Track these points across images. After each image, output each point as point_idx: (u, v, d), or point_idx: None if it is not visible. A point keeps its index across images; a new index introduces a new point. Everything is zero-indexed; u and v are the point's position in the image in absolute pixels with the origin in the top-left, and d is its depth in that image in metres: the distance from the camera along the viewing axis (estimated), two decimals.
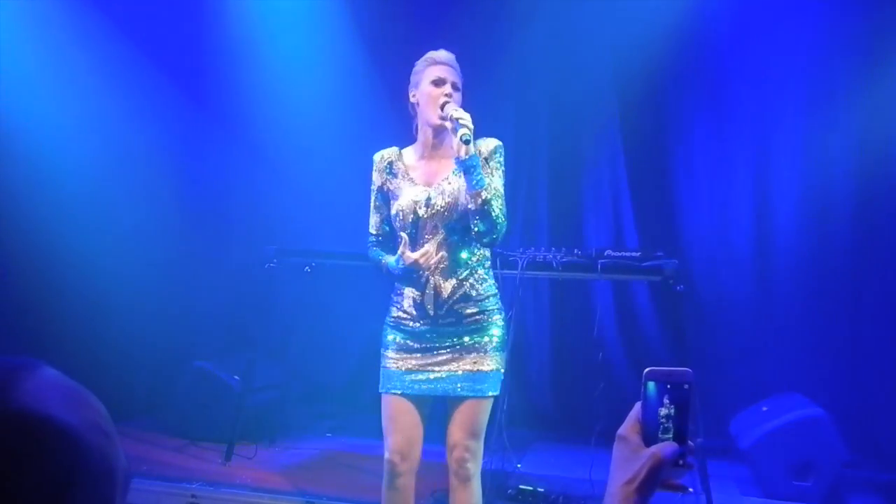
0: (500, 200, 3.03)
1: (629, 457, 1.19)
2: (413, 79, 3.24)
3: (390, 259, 3.15)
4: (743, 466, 4.76)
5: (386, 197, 3.25)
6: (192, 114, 6.05)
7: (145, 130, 5.82)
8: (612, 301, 5.72)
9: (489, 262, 3.21)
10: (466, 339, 3.11)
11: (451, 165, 3.11)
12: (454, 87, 3.15)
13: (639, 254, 4.57)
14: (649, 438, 1.20)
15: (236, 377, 5.24)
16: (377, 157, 3.29)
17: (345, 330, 6.01)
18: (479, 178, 2.96)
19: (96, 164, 5.49)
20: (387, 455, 3.14)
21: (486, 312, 3.13)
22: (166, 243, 5.87)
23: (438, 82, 3.14)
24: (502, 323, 3.18)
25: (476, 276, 3.13)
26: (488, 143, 3.12)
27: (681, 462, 1.19)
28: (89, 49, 5.44)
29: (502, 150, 3.14)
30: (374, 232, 3.32)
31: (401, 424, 3.13)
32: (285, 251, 4.96)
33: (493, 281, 3.22)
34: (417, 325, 3.14)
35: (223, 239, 6.21)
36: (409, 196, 3.13)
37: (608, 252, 4.60)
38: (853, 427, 4.92)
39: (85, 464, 0.84)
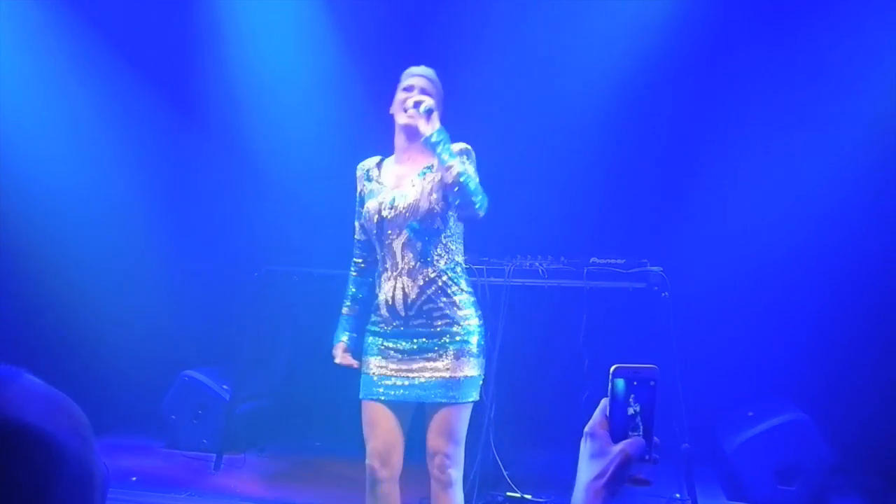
0: (476, 181, 3.10)
1: (597, 453, 1.21)
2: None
3: (340, 329, 3.39)
4: (729, 471, 4.79)
5: (363, 202, 3.32)
6: (182, 127, 6.07)
7: (133, 146, 5.83)
8: (598, 308, 5.74)
9: (461, 268, 3.23)
10: (441, 342, 3.11)
11: (419, 168, 3.20)
12: (423, 91, 3.23)
13: (624, 261, 4.61)
14: (617, 435, 1.22)
15: (225, 387, 5.25)
16: (359, 165, 3.39)
17: (333, 340, 6.02)
18: (446, 152, 3.05)
19: (87, 178, 5.50)
20: (367, 461, 3.17)
21: (460, 317, 3.13)
22: (155, 255, 5.88)
23: (408, 88, 3.25)
24: (479, 329, 3.18)
25: (445, 278, 3.14)
26: (457, 146, 3.19)
27: (647, 457, 1.21)
28: (82, 61, 5.47)
29: (470, 152, 3.20)
30: (356, 237, 3.40)
31: (380, 430, 3.15)
32: (273, 262, 4.98)
33: (468, 287, 3.24)
34: (391, 327, 3.17)
35: (212, 250, 6.22)
36: (375, 199, 3.22)
37: (594, 259, 4.64)
38: (838, 431, 4.95)
39: (63, 470, 0.86)
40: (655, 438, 1.22)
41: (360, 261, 3.39)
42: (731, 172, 5.67)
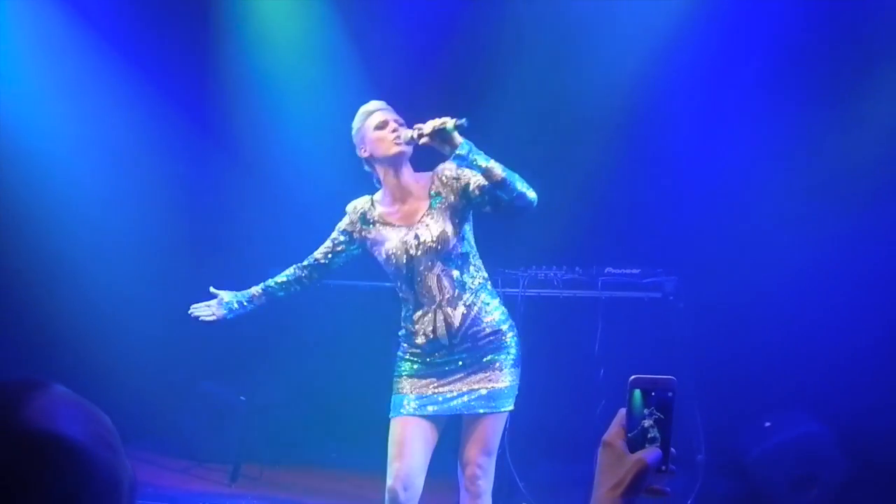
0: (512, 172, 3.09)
1: (614, 463, 1.22)
2: (356, 139, 3.30)
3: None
4: (746, 482, 4.76)
5: (358, 244, 3.29)
6: (197, 135, 6.10)
7: (148, 152, 5.87)
8: (613, 318, 5.73)
9: (490, 283, 3.25)
10: (483, 358, 3.14)
11: (425, 202, 3.17)
12: (398, 122, 3.23)
13: (639, 271, 4.62)
14: (634, 445, 1.23)
15: (242, 398, 5.26)
16: (350, 207, 3.33)
17: (351, 350, 6.02)
18: (478, 157, 3.03)
19: (102, 186, 5.54)
20: (389, 482, 3.09)
21: (500, 332, 3.17)
22: (170, 265, 5.90)
23: (381, 125, 3.22)
24: (516, 339, 3.22)
25: (482, 298, 3.17)
26: (445, 165, 3.19)
27: (664, 468, 1.22)
28: (91, 64, 5.49)
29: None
30: (315, 256, 3.36)
31: (408, 450, 3.10)
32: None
33: (499, 300, 3.26)
34: (434, 357, 3.16)
35: (228, 260, 6.24)
36: (395, 239, 3.17)
37: (608, 269, 4.64)
38: (856, 443, 4.92)
39: (91, 478, 0.89)
40: (672, 449, 1.22)
41: (306, 272, 3.37)
42: (747, 181, 5.65)
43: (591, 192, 5.97)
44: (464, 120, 3.04)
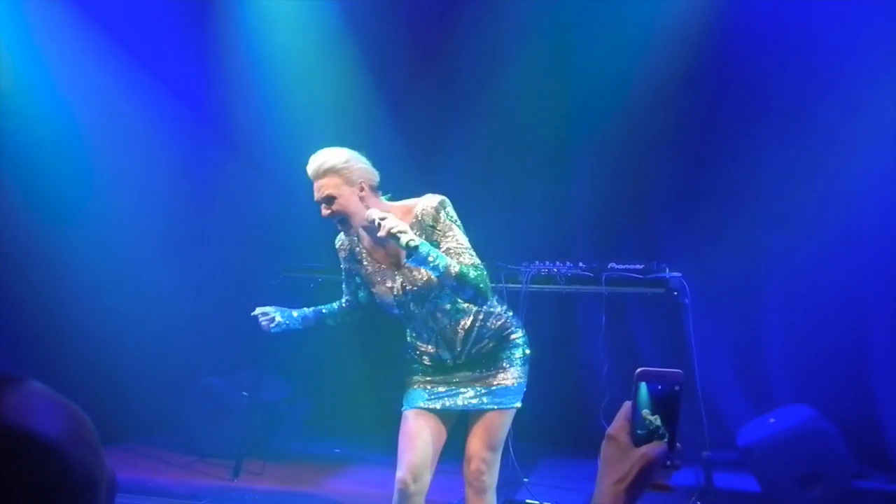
0: (469, 256, 2.96)
1: (619, 457, 1.21)
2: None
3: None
4: (750, 478, 4.75)
5: (360, 275, 3.27)
6: (199, 131, 6.10)
7: (153, 144, 5.86)
8: (616, 314, 5.72)
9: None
10: (492, 358, 3.17)
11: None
12: (328, 200, 3.05)
13: (642, 266, 4.60)
14: (639, 439, 1.21)
15: (245, 393, 5.26)
16: (337, 243, 3.29)
17: (353, 345, 6.02)
18: (436, 262, 2.85)
19: (104, 182, 5.53)
20: (399, 474, 3.09)
21: (506, 334, 3.19)
22: (173, 260, 5.90)
23: (317, 202, 3.09)
24: (522, 339, 3.22)
25: (481, 315, 3.15)
26: (427, 206, 3.02)
27: (669, 463, 1.20)
28: (93, 61, 5.49)
29: (447, 205, 3.05)
30: (346, 297, 3.39)
31: (418, 442, 3.11)
32: (292, 267, 4.99)
33: (499, 306, 3.24)
34: (440, 374, 3.19)
35: (230, 255, 6.24)
36: (383, 284, 3.15)
37: (612, 265, 4.62)
38: (861, 438, 4.90)
39: (66, 476, 0.87)
40: (678, 444, 1.20)
41: (351, 311, 3.40)
42: (751, 177, 5.64)
43: (595, 188, 5.96)
44: (416, 244, 2.80)
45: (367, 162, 3.13)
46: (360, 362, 6.05)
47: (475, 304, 3.05)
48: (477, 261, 2.97)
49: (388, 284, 3.14)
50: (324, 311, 3.38)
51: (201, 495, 4.56)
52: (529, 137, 6.07)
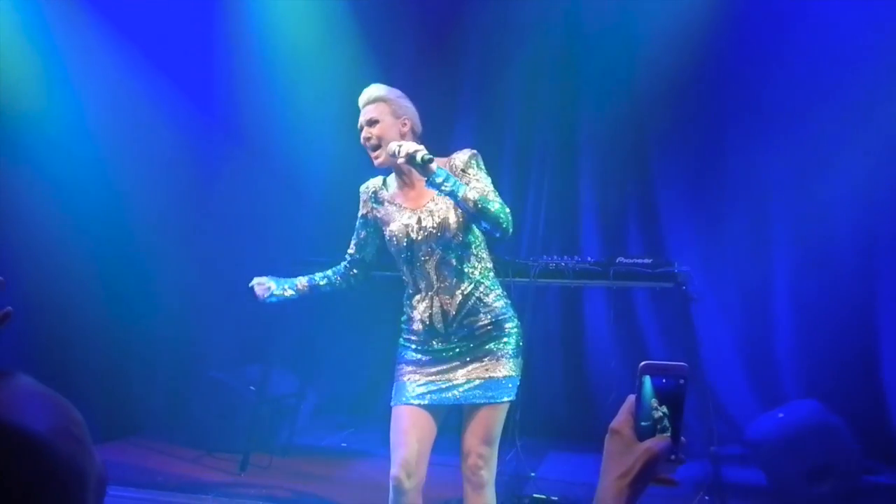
0: (493, 195, 3.02)
1: (622, 451, 1.19)
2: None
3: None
4: (758, 472, 4.73)
5: (373, 224, 3.28)
6: (206, 126, 6.10)
7: (158, 144, 5.86)
8: (624, 308, 5.71)
9: (492, 273, 3.22)
10: (482, 347, 3.12)
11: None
12: (370, 126, 3.16)
13: (651, 260, 4.58)
14: (643, 433, 1.19)
15: (251, 387, 5.26)
16: (362, 188, 3.32)
17: (359, 339, 6.02)
18: (454, 187, 2.94)
19: (113, 178, 5.54)
20: (393, 471, 3.07)
21: (499, 322, 3.14)
22: (181, 255, 5.90)
23: (360, 129, 3.19)
24: (516, 330, 3.18)
25: (482, 287, 3.13)
26: (462, 155, 3.11)
27: (673, 457, 1.18)
28: (98, 58, 5.49)
29: (478, 157, 3.13)
30: (349, 252, 3.38)
31: (409, 437, 3.08)
32: (300, 261, 4.98)
33: (501, 290, 3.22)
34: (431, 344, 3.14)
35: (238, 250, 6.24)
36: (399, 221, 3.15)
37: (620, 259, 4.60)
38: (870, 433, 4.88)
39: (54, 470, 0.86)
40: (682, 438, 1.19)
41: (349, 269, 3.38)
42: (760, 172, 5.62)
43: (604, 182, 5.95)
44: (431, 157, 2.93)
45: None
46: (368, 357, 6.05)
47: (493, 235, 3.04)
48: (501, 201, 3.02)
49: (405, 221, 3.14)
50: (317, 276, 3.40)
51: (208, 489, 4.56)
52: (537, 132, 6.06)
